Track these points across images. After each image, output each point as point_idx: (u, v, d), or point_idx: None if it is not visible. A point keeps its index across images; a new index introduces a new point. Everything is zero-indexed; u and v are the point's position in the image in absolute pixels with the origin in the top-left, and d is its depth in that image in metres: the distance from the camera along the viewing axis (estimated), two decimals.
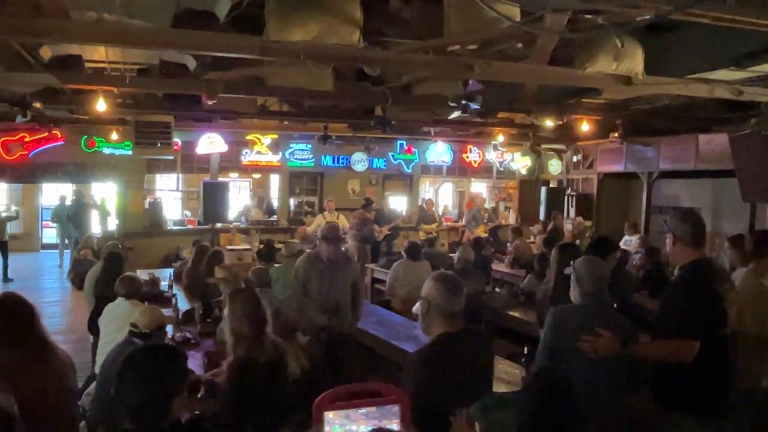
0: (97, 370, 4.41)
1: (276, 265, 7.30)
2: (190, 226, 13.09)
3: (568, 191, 14.17)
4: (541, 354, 3.26)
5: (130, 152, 11.08)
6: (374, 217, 13.04)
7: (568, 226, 12.26)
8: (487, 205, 15.17)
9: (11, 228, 12.45)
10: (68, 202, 13.21)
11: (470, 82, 6.36)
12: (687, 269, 3.26)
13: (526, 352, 4.23)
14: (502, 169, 15.85)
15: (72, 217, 12.79)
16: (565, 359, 3.10)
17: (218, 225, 11.80)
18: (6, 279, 11.60)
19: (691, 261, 3.24)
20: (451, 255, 9.58)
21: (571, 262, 3.51)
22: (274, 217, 14.15)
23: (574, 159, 14.46)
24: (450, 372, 2.75)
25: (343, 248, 7.70)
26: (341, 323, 5.22)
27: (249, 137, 13.13)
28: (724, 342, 3.19)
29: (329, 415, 2.17)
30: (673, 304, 3.25)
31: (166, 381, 2.10)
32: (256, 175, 15.71)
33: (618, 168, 13.18)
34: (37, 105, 7.52)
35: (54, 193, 16.13)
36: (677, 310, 3.18)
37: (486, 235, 12.04)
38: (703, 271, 3.25)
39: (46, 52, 5.69)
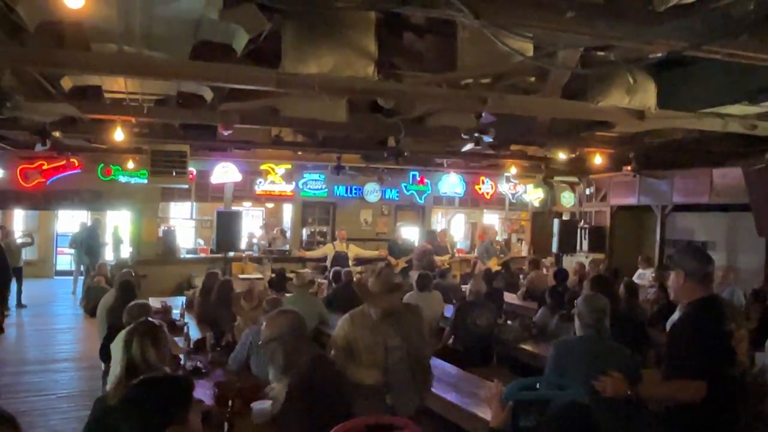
0: None
1: (287, 294, 7.30)
2: (203, 255, 13.13)
3: (581, 224, 14.11)
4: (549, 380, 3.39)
5: (146, 181, 11.21)
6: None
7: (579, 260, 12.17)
8: (499, 237, 15.12)
9: (26, 254, 12.55)
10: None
11: (483, 114, 6.41)
12: (693, 306, 3.20)
13: (537, 386, 4.20)
14: (514, 201, 15.84)
15: (84, 244, 12.89)
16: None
17: (231, 254, 11.84)
18: (20, 305, 11.66)
19: (699, 298, 3.17)
20: (463, 287, 9.54)
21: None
22: (287, 246, 14.18)
23: (587, 191, 14.43)
24: (316, 398, 3.02)
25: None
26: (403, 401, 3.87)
27: (263, 167, 13.24)
28: (733, 382, 3.07)
29: None
30: (678, 342, 3.20)
31: (159, 412, 2.12)
32: (270, 205, 15.79)
33: (631, 201, 13.13)
34: (56, 134, 7.64)
35: (70, 220, 16.28)
36: (682, 349, 3.12)
37: (499, 267, 11.98)
38: (710, 309, 3.16)
39: (66, 83, 5.81)
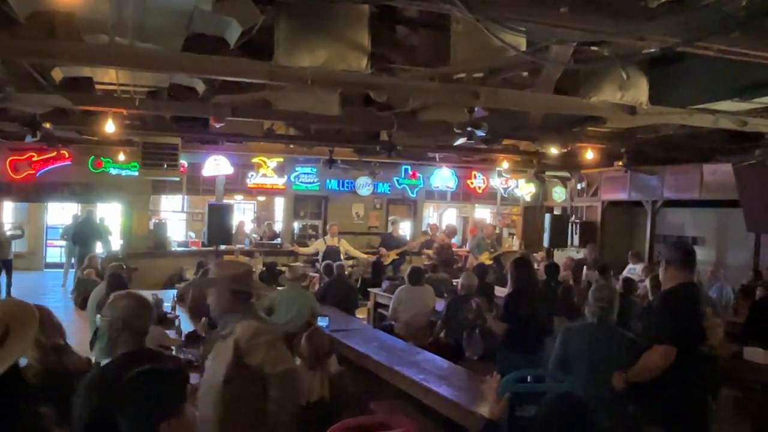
0: None
1: (278, 288, 7.29)
2: (194, 248, 13.08)
3: (572, 219, 14.16)
4: (554, 363, 3.70)
5: (137, 173, 11.16)
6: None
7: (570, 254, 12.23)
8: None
9: (16, 246, 12.46)
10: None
11: (476, 109, 6.42)
12: (672, 288, 3.41)
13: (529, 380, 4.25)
14: (506, 196, 15.87)
15: (76, 237, 12.82)
16: (574, 368, 3.50)
17: (222, 247, 11.82)
18: (9, 297, 11.59)
19: (678, 282, 3.37)
20: (454, 280, 9.56)
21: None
22: (278, 240, 14.16)
23: (579, 186, 14.48)
24: None
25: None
26: None
27: (255, 160, 13.20)
28: (700, 360, 3.28)
29: None
30: (654, 318, 3.39)
31: (155, 406, 2.11)
32: (261, 198, 15.75)
33: (622, 196, 13.19)
34: (47, 125, 7.59)
35: (60, 212, 16.18)
36: (655, 323, 3.36)
37: (490, 262, 12.00)
38: (687, 291, 3.37)
39: (57, 74, 5.77)
